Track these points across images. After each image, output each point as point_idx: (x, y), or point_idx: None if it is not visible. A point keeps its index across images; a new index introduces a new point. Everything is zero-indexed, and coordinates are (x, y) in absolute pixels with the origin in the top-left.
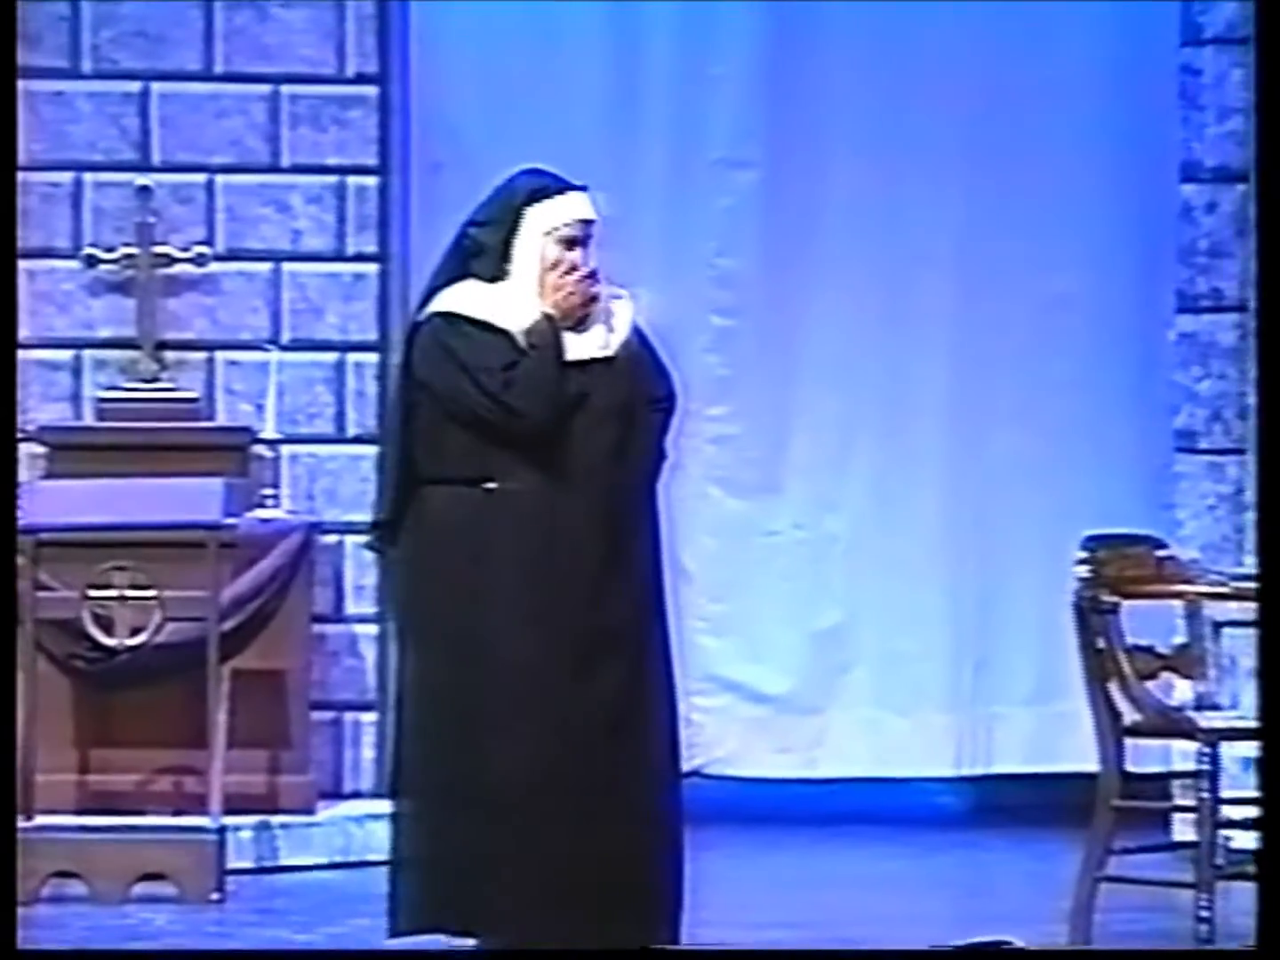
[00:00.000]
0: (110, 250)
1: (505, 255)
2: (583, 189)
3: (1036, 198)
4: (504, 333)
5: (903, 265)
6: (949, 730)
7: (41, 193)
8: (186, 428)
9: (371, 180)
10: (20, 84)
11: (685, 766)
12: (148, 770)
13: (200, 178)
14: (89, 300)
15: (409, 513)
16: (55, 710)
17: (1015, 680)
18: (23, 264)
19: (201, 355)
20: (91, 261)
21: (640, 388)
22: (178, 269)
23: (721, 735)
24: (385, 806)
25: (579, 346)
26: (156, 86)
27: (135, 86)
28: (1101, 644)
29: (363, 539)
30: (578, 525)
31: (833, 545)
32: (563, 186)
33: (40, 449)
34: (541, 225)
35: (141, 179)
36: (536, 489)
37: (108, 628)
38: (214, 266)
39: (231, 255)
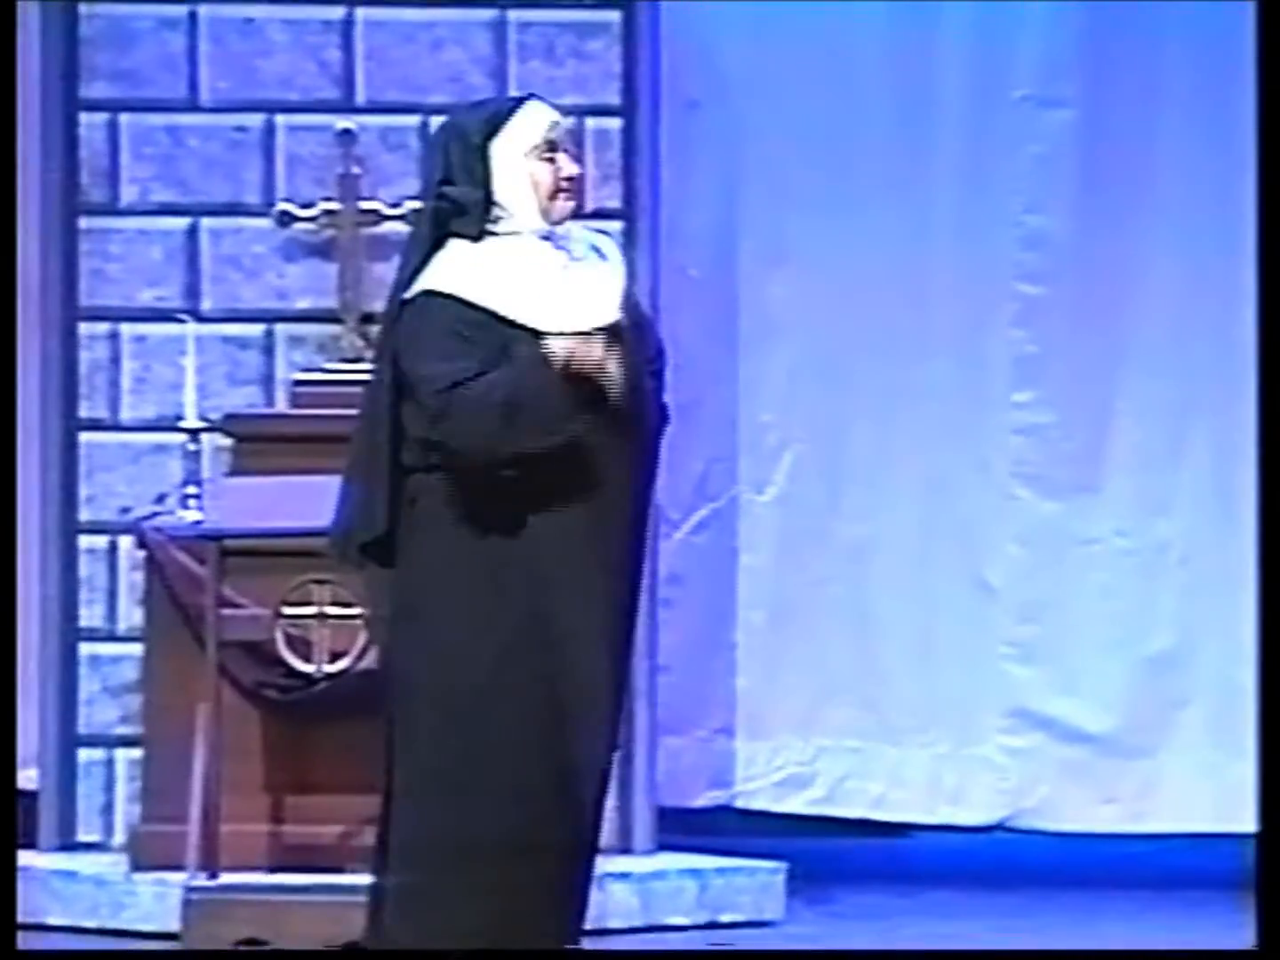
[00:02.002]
0: (308, 206)
1: (488, 207)
2: (530, 96)
3: None
4: (499, 319)
5: (1246, 225)
6: None
7: (227, 139)
8: None
9: (615, 122)
10: (202, 9)
11: (988, 817)
12: (352, 820)
13: (413, 120)
14: (283, 265)
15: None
16: (243, 749)
17: None
18: (206, 223)
19: None
20: (285, 219)
21: (638, 343)
22: (387, 228)
23: (1032, 782)
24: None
25: (587, 315)
26: (361, 12)
27: (338, 12)
28: None
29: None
30: (614, 504)
31: (1164, 555)
32: (514, 102)
33: (226, 440)
34: (517, 149)
35: (344, 121)
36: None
37: (305, 651)
38: None
39: None
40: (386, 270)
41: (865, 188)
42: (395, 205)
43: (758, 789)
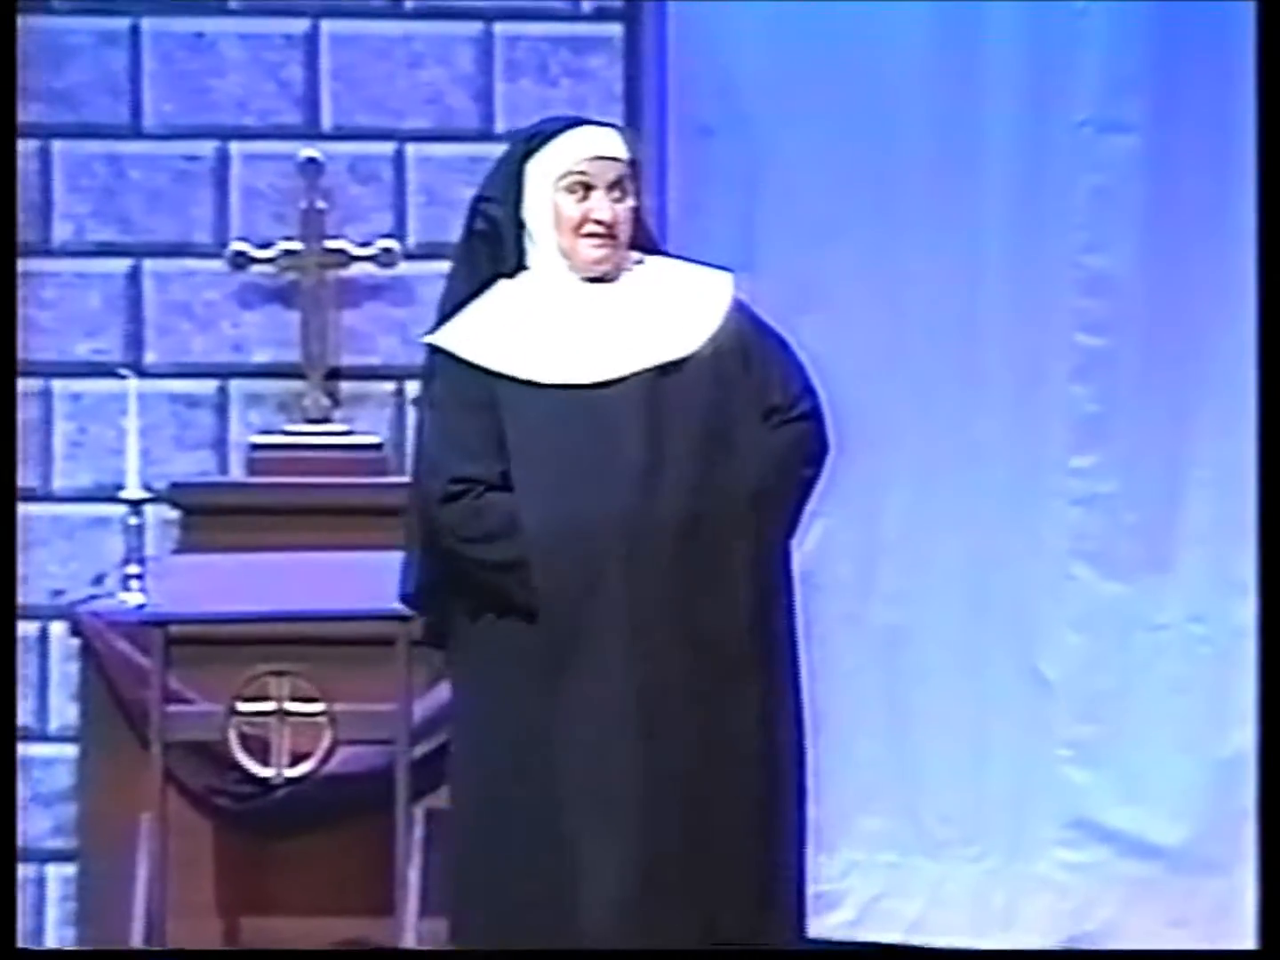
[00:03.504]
0: (266, 246)
1: (519, 234)
2: (600, 123)
3: None
4: (488, 373)
5: None
6: None
7: (175, 169)
8: (367, 484)
9: None
10: (146, 23)
11: (1044, 941)
12: (316, 943)
13: (386, 148)
14: (238, 313)
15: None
16: (192, 864)
17: None
18: (150, 265)
19: (388, 387)
20: (241, 261)
21: (743, 394)
22: (356, 270)
23: (1094, 900)
24: None
25: (599, 365)
26: (328, 25)
27: (301, 25)
28: None
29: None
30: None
31: (1242, 643)
32: (566, 124)
33: (173, 513)
34: (548, 176)
35: (308, 150)
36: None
37: (262, 753)
38: (404, 267)
39: (427, 252)
40: (355, 318)
41: (903, 225)
42: (365, 245)
43: None
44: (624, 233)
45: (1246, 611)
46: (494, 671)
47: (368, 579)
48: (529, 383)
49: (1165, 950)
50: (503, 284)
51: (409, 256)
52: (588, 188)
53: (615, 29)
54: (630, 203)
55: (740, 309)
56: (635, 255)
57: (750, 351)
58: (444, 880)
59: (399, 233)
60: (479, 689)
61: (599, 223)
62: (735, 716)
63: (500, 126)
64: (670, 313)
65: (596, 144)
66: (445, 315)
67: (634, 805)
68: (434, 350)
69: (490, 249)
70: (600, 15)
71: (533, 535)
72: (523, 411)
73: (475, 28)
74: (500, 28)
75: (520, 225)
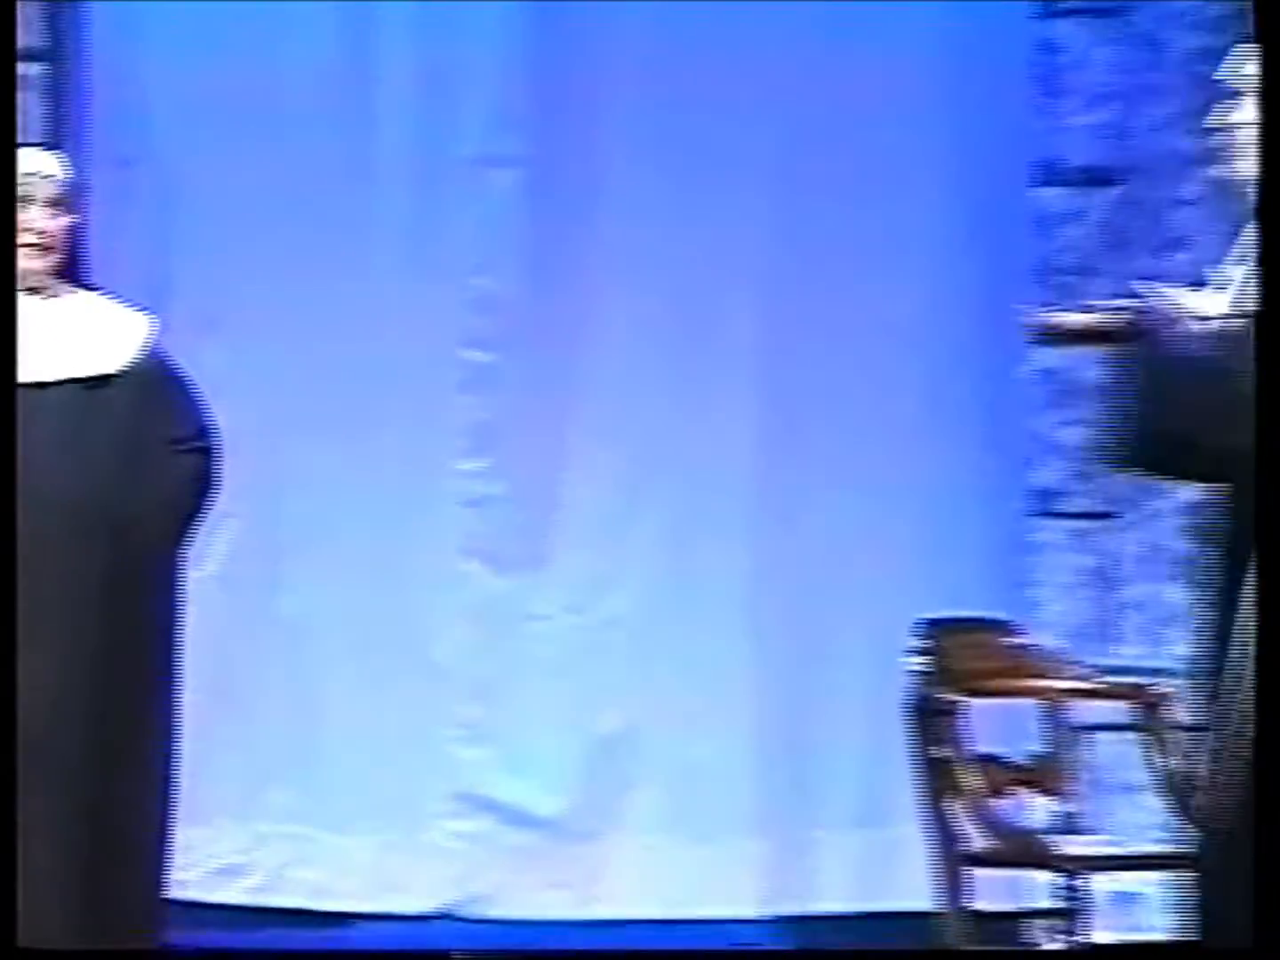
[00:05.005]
0: None
1: None
2: (44, 146)
3: (860, 208)
4: None
5: (700, 289)
6: (757, 860)
7: None
8: None
9: None
10: None
11: (432, 904)
12: None
13: None
14: None
15: None
16: None
17: (837, 799)
18: None
19: None
20: None
21: (153, 420)
22: None
23: (478, 868)
24: None
25: (61, 364)
26: None
27: None
28: (941, 753)
29: None
30: (69, 583)
31: (613, 632)
32: (28, 145)
33: None
34: None
35: None
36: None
37: None
38: None
39: None
40: None
41: (307, 252)
42: None
43: (192, 878)
44: (60, 247)
45: (616, 602)
46: None
47: None
48: None
49: (1166, 950)
50: None
51: None
52: (27, 201)
53: (36, 68)
54: (68, 219)
55: (155, 348)
56: (66, 285)
57: (163, 384)
58: None
59: None
60: None
61: (36, 232)
62: (120, 702)
63: None
64: (95, 333)
65: (38, 163)
66: None
67: (42, 769)
68: None
69: None
70: (24, 55)
71: None
72: None
73: None
74: None
75: None
